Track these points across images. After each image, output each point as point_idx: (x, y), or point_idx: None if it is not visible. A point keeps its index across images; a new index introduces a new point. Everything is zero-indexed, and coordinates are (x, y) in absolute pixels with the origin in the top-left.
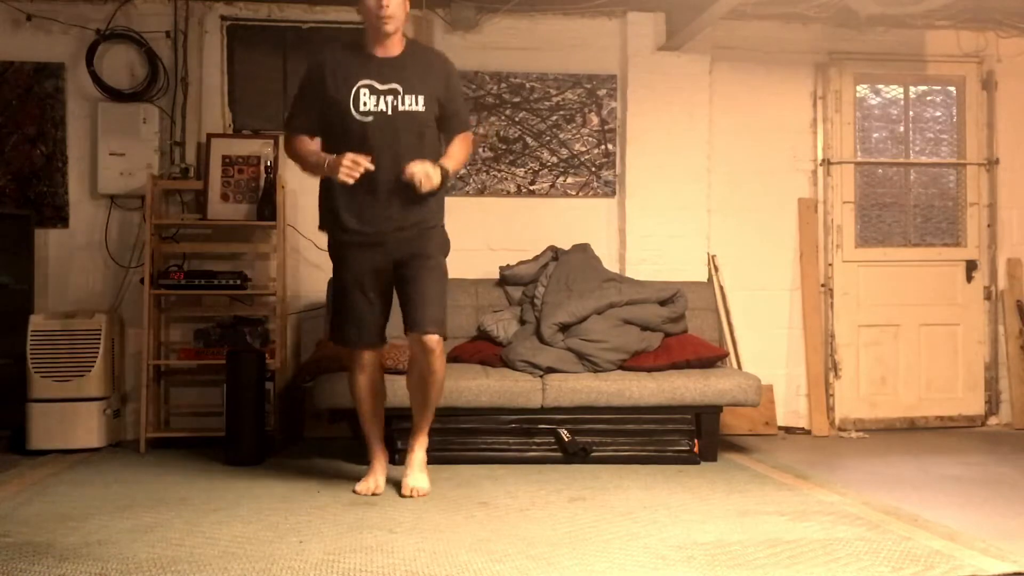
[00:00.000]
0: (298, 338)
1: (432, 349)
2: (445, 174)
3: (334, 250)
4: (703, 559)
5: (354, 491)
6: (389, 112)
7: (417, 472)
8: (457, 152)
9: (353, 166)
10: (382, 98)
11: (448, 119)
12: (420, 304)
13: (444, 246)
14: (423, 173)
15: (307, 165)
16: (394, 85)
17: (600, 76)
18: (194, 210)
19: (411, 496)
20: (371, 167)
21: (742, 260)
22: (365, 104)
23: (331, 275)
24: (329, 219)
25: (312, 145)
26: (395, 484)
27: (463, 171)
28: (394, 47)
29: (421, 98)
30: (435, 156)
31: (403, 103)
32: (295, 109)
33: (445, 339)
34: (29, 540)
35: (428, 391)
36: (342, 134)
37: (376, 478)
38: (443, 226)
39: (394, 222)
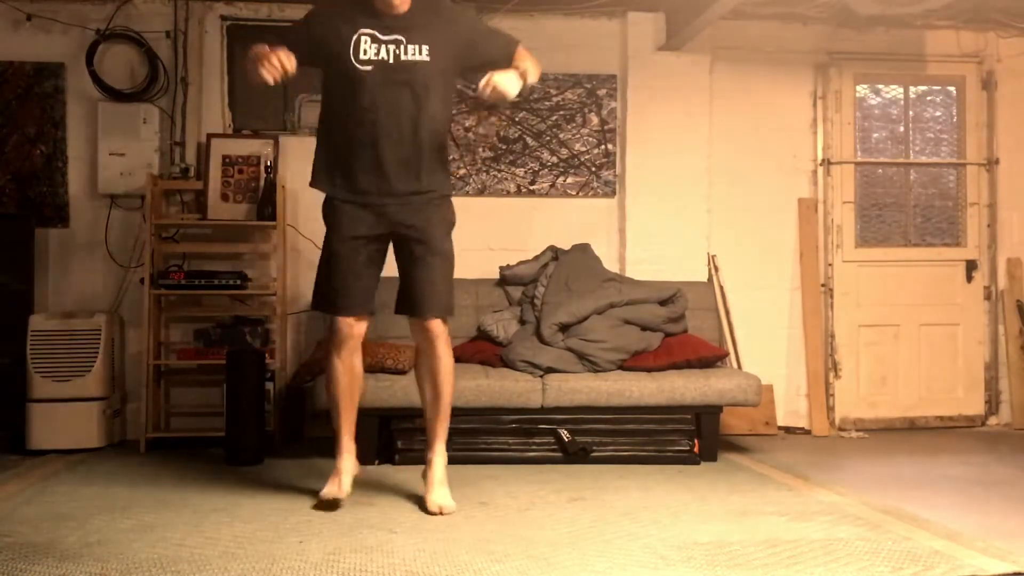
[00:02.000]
0: (298, 338)
1: (437, 334)
2: (522, 76)
3: (327, 209)
4: (703, 559)
5: (317, 495)
6: (391, 60)
7: (440, 488)
8: (530, 64)
9: (275, 64)
10: (383, 47)
11: (491, 52)
12: (426, 292)
13: (450, 222)
14: (500, 85)
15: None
16: (397, 35)
17: (600, 76)
18: (194, 210)
19: (439, 514)
20: (289, 68)
21: (742, 260)
22: (365, 52)
23: None
24: (324, 175)
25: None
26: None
27: (463, 171)
28: (402, 4)
29: (426, 48)
30: (444, 113)
31: (406, 52)
32: (282, 32)
33: (451, 316)
34: (29, 540)
35: (438, 384)
36: (341, 85)
37: (341, 480)
38: (450, 196)
39: (396, 188)
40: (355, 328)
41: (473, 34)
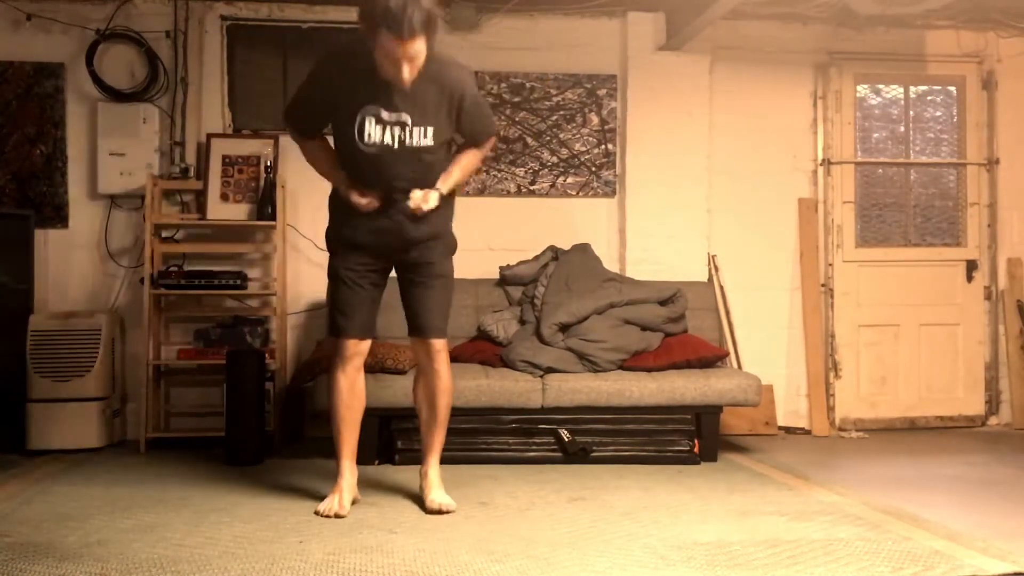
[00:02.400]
0: (298, 338)
1: (438, 351)
2: (442, 195)
3: (332, 239)
4: (703, 559)
5: (316, 512)
6: (395, 146)
7: (438, 490)
8: (461, 167)
9: (366, 207)
10: (388, 130)
11: (470, 135)
12: (428, 314)
13: (451, 249)
14: (416, 204)
15: (323, 174)
16: (402, 116)
17: (600, 76)
18: (194, 210)
19: (439, 512)
20: (375, 204)
21: (742, 260)
22: (370, 135)
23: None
24: (336, 218)
25: (327, 154)
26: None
27: None
28: (410, 81)
29: (431, 130)
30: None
31: (410, 137)
32: (299, 108)
33: (444, 337)
34: (29, 540)
35: (436, 400)
36: (346, 157)
37: (341, 497)
38: (450, 231)
39: (399, 240)
40: (360, 346)
41: (468, 114)
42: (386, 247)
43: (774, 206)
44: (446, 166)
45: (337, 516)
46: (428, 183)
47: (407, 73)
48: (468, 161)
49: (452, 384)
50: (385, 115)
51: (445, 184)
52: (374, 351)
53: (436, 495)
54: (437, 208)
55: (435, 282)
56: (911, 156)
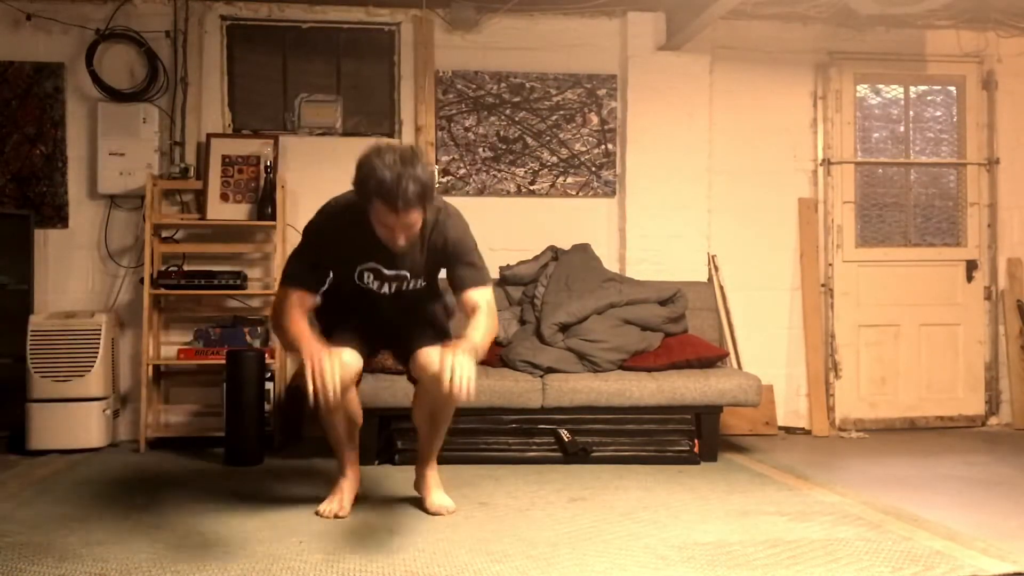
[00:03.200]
0: None
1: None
2: (475, 354)
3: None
4: (703, 559)
5: (316, 513)
6: (391, 293)
7: (438, 490)
8: (481, 324)
9: (321, 386)
10: (386, 283)
11: (456, 279)
12: (417, 339)
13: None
14: (461, 374)
15: (291, 340)
16: (402, 272)
17: (600, 76)
18: (194, 210)
19: (440, 513)
20: (334, 396)
21: (742, 260)
22: (367, 283)
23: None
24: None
25: (302, 324)
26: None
27: (463, 171)
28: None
29: (423, 280)
30: (436, 300)
31: (407, 286)
32: (296, 266)
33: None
34: (29, 540)
35: (438, 417)
36: (339, 296)
37: (342, 498)
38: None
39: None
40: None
41: (457, 258)
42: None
43: (774, 206)
44: (439, 299)
45: (337, 517)
46: (423, 315)
47: (402, 241)
48: (484, 318)
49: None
50: (384, 271)
51: (475, 334)
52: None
53: (436, 496)
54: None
55: (427, 320)
56: (911, 156)
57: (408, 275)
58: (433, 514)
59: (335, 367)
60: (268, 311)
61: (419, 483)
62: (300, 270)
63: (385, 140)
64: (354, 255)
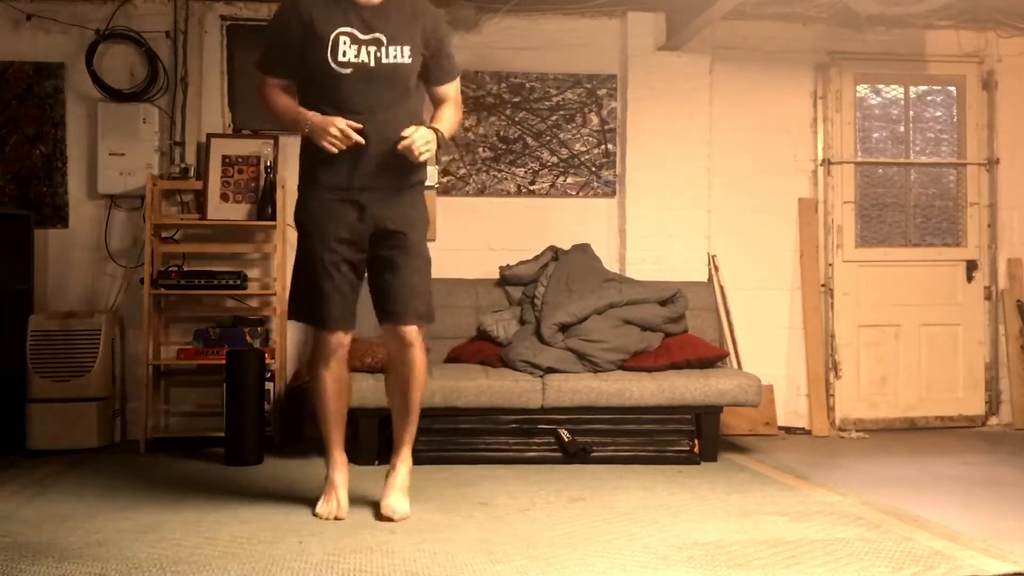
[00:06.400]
0: (298, 338)
1: (411, 341)
2: (441, 139)
3: (305, 212)
4: (703, 559)
5: (314, 514)
6: (372, 64)
7: (398, 494)
8: (449, 115)
9: (342, 137)
10: (363, 48)
11: (432, 68)
12: (404, 296)
13: (426, 222)
14: (422, 140)
15: (283, 119)
16: (377, 35)
17: (600, 76)
18: (194, 210)
19: (389, 519)
20: (361, 141)
21: (742, 260)
22: (344, 54)
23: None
24: (307, 177)
25: (284, 97)
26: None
27: (463, 171)
28: None
29: (407, 49)
30: (420, 106)
31: (387, 55)
32: (266, 52)
33: (431, 323)
34: (29, 540)
35: (409, 395)
36: (319, 86)
37: (337, 496)
38: (423, 185)
39: (374, 182)
40: (343, 339)
41: (439, 43)
42: (356, 190)
43: (774, 206)
44: (421, 103)
45: (337, 519)
46: (406, 115)
47: None
48: (452, 111)
49: (426, 377)
50: (360, 35)
51: (442, 124)
52: (374, 351)
53: (393, 499)
54: (423, 164)
55: (412, 262)
56: (911, 156)
57: (384, 40)
58: (381, 518)
59: (339, 122)
60: (268, 311)
61: (388, 473)
62: (272, 56)
63: None
64: (327, 21)
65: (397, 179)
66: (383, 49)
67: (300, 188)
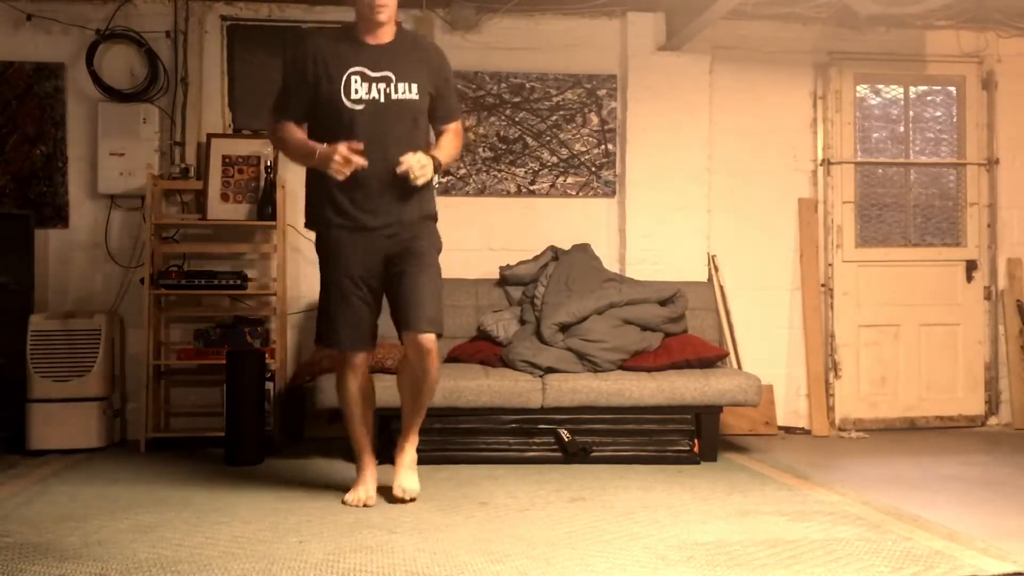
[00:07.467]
0: (298, 338)
1: (429, 350)
2: (438, 165)
3: (323, 244)
4: (703, 559)
5: (343, 502)
6: (382, 100)
7: (408, 472)
8: (448, 144)
9: (346, 162)
10: (374, 86)
11: (438, 108)
12: (415, 302)
13: (437, 242)
14: (418, 164)
15: (294, 154)
16: (387, 72)
17: (600, 76)
18: (194, 210)
19: (403, 498)
20: (364, 163)
21: (742, 260)
22: (356, 92)
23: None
24: (317, 210)
25: (299, 133)
26: (386, 491)
27: (463, 171)
28: (385, 35)
29: (415, 86)
30: (426, 145)
31: (396, 91)
32: (282, 96)
33: (440, 337)
34: (29, 540)
35: (421, 395)
36: (331, 123)
37: (366, 487)
38: (435, 217)
39: (386, 215)
40: (361, 357)
41: (443, 83)
42: (368, 223)
43: (774, 206)
44: (428, 137)
45: (366, 506)
46: (413, 150)
47: (383, 16)
48: (451, 140)
49: (437, 382)
50: (370, 73)
51: (440, 152)
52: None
53: (403, 478)
54: (423, 186)
55: (420, 270)
56: (911, 156)
57: (393, 77)
58: (396, 499)
59: (341, 148)
60: (268, 311)
61: (395, 455)
62: (289, 98)
63: None
64: (340, 62)
65: (407, 210)
66: (392, 85)
67: (312, 222)
